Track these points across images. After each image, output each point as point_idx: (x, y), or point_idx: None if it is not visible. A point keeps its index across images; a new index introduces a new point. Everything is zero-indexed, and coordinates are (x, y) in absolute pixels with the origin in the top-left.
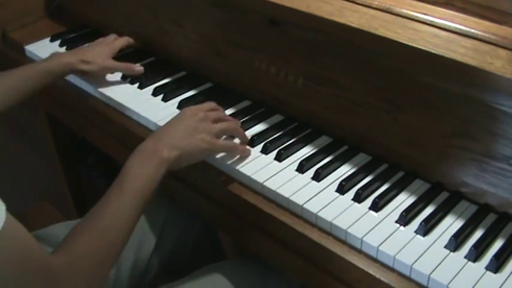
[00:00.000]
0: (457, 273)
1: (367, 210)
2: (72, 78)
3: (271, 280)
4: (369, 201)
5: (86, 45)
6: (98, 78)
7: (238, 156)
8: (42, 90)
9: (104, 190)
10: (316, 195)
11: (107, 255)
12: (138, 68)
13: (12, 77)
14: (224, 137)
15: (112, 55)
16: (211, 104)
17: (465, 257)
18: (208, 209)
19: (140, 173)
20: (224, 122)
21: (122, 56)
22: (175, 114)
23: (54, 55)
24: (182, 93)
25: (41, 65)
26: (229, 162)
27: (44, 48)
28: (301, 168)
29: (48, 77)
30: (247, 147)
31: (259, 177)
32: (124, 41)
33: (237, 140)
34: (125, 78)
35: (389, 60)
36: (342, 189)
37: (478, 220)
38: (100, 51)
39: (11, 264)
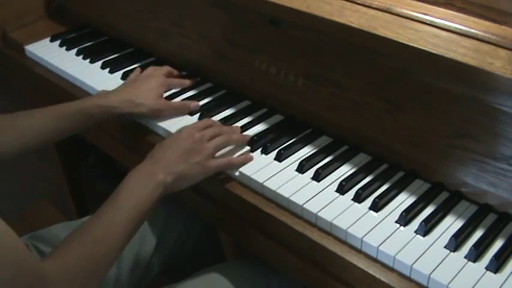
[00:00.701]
0: (457, 273)
1: (367, 210)
2: (72, 78)
3: (273, 281)
4: (369, 201)
5: (134, 77)
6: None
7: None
8: (80, 131)
9: (104, 190)
10: (316, 195)
11: (98, 265)
12: (194, 104)
13: (46, 115)
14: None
15: (164, 92)
16: (207, 122)
17: (465, 257)
18: (208, 209)
19: (136, 192)
20: (219, 137)
21: (121, 56)
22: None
23: (97, 94)
24: (182, 93)
25: (79, 104)
26: None
27: (44, 48)
28: (301, 168)
29: (86, 119)
30: (249, 154)
31: (259, 177)
32: (178, 81)
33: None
34: (125, 78)
35: (389, 60)
36: (342, 189)
37: (478, 220)
38: (149, 88)
39: (2, 270)
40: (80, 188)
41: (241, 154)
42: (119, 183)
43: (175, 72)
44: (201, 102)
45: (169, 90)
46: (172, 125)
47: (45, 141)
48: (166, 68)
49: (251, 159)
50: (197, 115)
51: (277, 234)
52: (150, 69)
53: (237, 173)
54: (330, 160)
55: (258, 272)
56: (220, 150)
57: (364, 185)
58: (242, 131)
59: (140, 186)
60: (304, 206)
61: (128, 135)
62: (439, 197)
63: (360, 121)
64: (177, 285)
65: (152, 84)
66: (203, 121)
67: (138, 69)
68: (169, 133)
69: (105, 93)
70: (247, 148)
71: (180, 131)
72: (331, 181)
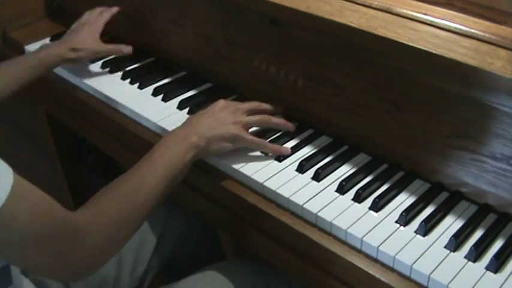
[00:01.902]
0: (457, 273)
1: (367, 210)
2: (72, 78)
3: (273, 280)
4: (369, 201)
5: (72, 26)
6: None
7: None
8: (35, 82)
9: None
10: (316, 195)
11: (131, 217)
12: (127, 48)
13: (4, 69)
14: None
15: (99, 34)
16: (249, 103)
17: (465, 257)
18: (208, 209)
19: (170, 151)
20: (255, 116)
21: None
22: (175, 114)
23: (43, 47)
24: (182, 93)
25: (32, 57)
26: (229, 163)
27: None
28: (301, 168)
29: (40, 68)
30: (283, 147)
31: (259, 177)
32: (108, 13)
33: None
34: (125, 78)
35: (389, 60)
36: (342, 189)
37: (478, 220)
38: (86, 34)
39: (31, 222)
40: (80, 188)
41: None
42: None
43: (108, 11)
44: (201, 102)
45: (103, 26)
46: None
47: (10, 91)
48: (98, 9)
49: (287, 151)
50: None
51: (277, 234)
52: (84, 16)
53: (237, 173)
54: (330, 160)
55: (258, 272)
56: (255, 126)
57: (364, 185)
58: None
59: (174, 147)
60: (304, 206)
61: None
62: (439, 197)
63: (360, 121)
64: (177, 285)
65: (86, 31)
66: (246, 103)
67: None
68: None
69: (51, 44)
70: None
71: (216, 102)
72: (331, 181)
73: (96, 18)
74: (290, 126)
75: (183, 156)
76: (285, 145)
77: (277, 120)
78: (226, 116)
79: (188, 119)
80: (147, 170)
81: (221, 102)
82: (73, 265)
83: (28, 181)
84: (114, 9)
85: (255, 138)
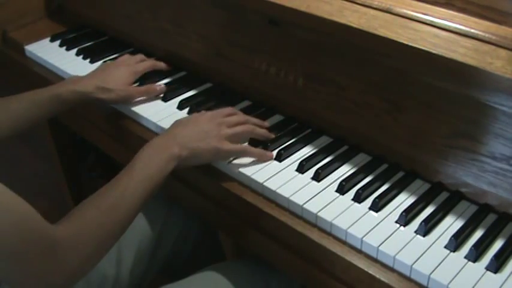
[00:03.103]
0: (457, 274)
1: (367, 210)
2: None
3: (273, 281)
4: (369, 201)
5: (106, 63)
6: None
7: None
8: (54, 116)
9: None
10: (316, 195)
11: (111, 233)
12: (160, 87)
13: (21, 101)
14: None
15: (134, 80)
16: (230, 109)
17: (465, 257)
18: (208, 209)
19: (150, 162)
20: (240, 126)
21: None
22: (175, 114)
23: (70, 80)
24: (182, 93)
25: (53, 90)
26: (229, 163)
27: (44, 48)
28: (301, 168)
29: (61, 104)
30: (268, 152)
31: (259, 177)
32: (150, 63)
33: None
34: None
35: (389, 60)
36: (342, 189)
37: (478, 220)
38: (120, 75)
39: (11, 236)
40: (80, 188)
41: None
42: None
43: (150, 63)
44: (201, 102)
45: (141, 74)
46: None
47: (21, 128)
48: (139, 57)
49: (271, 157)
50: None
51: (277, 234)
52: (123, 57)
53: (237, 173)
54: (330, 160)
55: (258, 272)
56: (240, 138)
57: (364, 185)
58: None
59: (155, 158)
60: (304, 206)
61: (128, 135)
62: (439, 197)
63: (360, 121)
64: (177, 285)
65: (122, 72)
66: (228, 108)
67: (110, 62)
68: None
69: (77, 79)
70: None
71: (202, 113)
72: (331, 181)
73: (136, 63)
74: (271, 136)
75: (164, 167)
76: (285, 144)
77: (261, 131)
78: (210, 129)
79: (172, 126)
80: (127, 184)
81: (207, 114)
82: (48, 281)
83: (20, 192)
84: (161, 64)
85: (237, 146)
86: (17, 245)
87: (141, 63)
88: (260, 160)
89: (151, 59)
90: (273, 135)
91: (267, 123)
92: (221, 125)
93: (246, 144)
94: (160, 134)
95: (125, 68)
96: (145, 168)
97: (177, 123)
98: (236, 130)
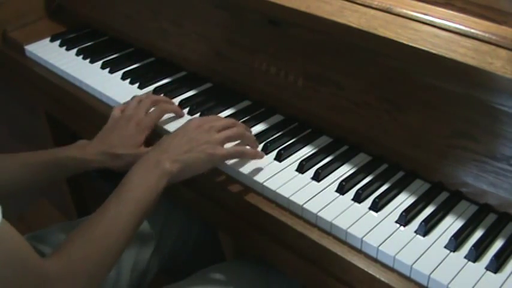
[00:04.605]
0: (457, 273)
1: (367, 210)
2: (72, 78)
3: (273, 281)
4: (369, 201)
5: (114, 117)
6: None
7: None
8: (55, 181)
9: (104, 190)
10: (316, 195)
11: (103, 262)
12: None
13: (14, 162)
14: (233, 144)
15: (144, 137)
16: (218, 116)
17: (465, 257)
18: (208, 210)
19: (140, 183)
20: (230, 129)
21: (121, 56)
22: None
23: (77, 145)
24: (182, 93)
25: (52, 154)
26: (229, 163)
27: (44, 48)
28: (301, 168)
29: (62, 172)
30: (260, 152)
31: (259, 177)
32: (163, 111)
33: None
34: (125, 78)
35: (389, 60)
36: (342, 189)
37: (478, 220)
38: (129, 135)
39: (3, 268)
40: (80, 188)
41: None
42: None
43: (159, 110)
44: (201, 102)
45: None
46: (171, 124)
47: (13, 191)
48: (150, 100)
49: (262, 156)
50: (197, 115)
51: (277, 234)
52: (132, 108)
53: (237, 173)
54: (330, 160)
55: (258, 272)
56: (230, 141)
57: (364, 185)
58: None
59: (145, 177)
60: (304, 206)
61: None
62: (439, 197)
63: (360, 121)
64: (177, 285)
65: (130, 131)
66: (215, 116)
67: (118, 109)
68: (162, 129)
69: (82, 145)
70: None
71: (189, 120)
72: (331, 181)
73: (146, 115)
74: (257, 144)
75: (155, 185)
76: (285, 144)
77: (250, 136)
78: (200, 136)
79: (160, 141)
80: (118, 208)
81: (194, 121)
82: None
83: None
84: (176, 109)
85: (230, 149)
86: (9, 279)
87: (151, 115)
88: (253, 159)
89: (169, 104)
90: (256, 143)
91: (251, 130)
92: (210, 131)
93: (237, 145)
94: (151, 149)
95: (134, 125)
96: (135, 190)
97: (166, 136)
98: (227, 133)
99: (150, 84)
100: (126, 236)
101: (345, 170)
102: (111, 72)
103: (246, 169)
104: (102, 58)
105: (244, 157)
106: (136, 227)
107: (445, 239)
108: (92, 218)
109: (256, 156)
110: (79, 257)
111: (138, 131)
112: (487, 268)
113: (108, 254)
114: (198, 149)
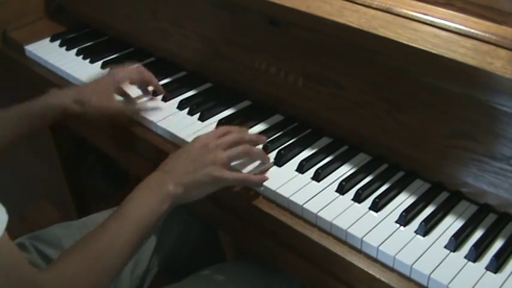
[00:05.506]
0: (457, 273)
1: (367, 210)
2: (72, 79)
3: (273, 281)
4: (369, 201)
5: (96, 75)
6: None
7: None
8: (34, 132)
9: (104, 190)
10: (316, 195)
11: (99, 279)
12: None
13: (8, 114)
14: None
15: (115, 90)
16: (226, 129)
17: (465, 257)
18: (208, 209)
19: (143, 203)
20: (237, 147)
21: (121, 56)
22: (175, 114)
23: (50, 93)
24: (182, 93)
25: (29, 106)
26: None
27: (44, 48)
28: (301, 168)
29: (39, 121)
30: (265, 176)
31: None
32: (131, 73)
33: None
34: None
35: (389, 60)
36: (342, 189)
37: (478, 220)
38: (99, 88)
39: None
40: (80, 188)
41: (261, 167)
42: (126, 194)
43: (132, 71)
44: (201, 102)
45: (125, 83)
46: (171, 124)
47: (3, 143)
48: (139, 68)
49: (267, 179)
50: (197, 115)
51: (277, 235)
52: (117, 68)
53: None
54: (330, 160)
55: (258, 272)
56: (236, 160)
57: (364, 185)
58: None
59: (148, 198)
60: (304, 206)
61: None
62: (439, 197)
63: (360, 121)
64: (177, 285)
65: (102, 83)
66: (221, 128)
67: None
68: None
69: (55, 93)
70: (271, 162)
71: (195, 139)
72: (331, 181)
73: (124, 72)
74: (267, 158)
75: (157, 208)
76: (285, 145)
77: (258, 151)
78: (205, 156)
79: (165, 161)
80: (116, 229)
81: (200, 140)
82: None
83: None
84: (142, 74)
85: (237, 175)
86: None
87: (121, 73)
88: (261, 182)
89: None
90: (269, 159)
91: (264, 138)
92: (216, 149)
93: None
94: (156, 170)
95: (107, 78)
96: (137, 210)
97: (171, 156)
98: (232, 153)
99: None
100: (125, 255)
101: (345, 170)
102: None
103: (246, 170)
104: (102, 58)
105: (250, 184)
106: (136, 248)
107: (445, 239)
108: (91, 234)
109: (262, 181)
110: (75, 271)
111: (108, 83)
112: (487, 268)
113: (103, 272)
114: (202, 172)
